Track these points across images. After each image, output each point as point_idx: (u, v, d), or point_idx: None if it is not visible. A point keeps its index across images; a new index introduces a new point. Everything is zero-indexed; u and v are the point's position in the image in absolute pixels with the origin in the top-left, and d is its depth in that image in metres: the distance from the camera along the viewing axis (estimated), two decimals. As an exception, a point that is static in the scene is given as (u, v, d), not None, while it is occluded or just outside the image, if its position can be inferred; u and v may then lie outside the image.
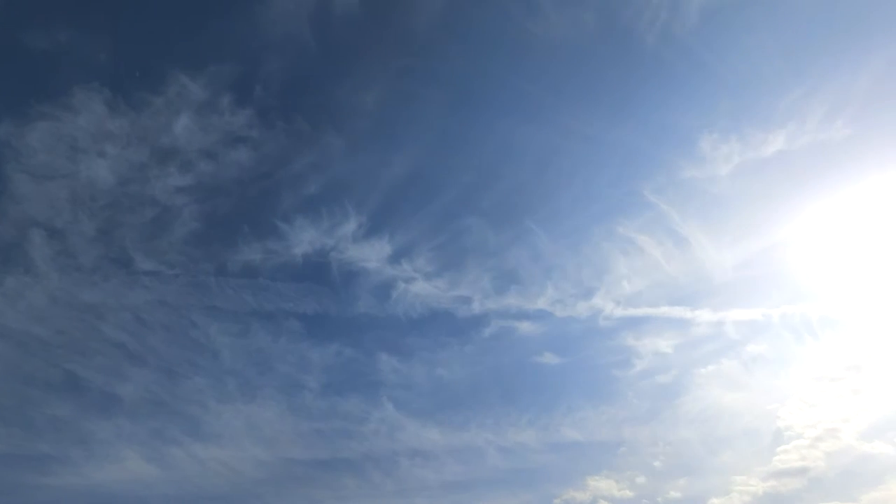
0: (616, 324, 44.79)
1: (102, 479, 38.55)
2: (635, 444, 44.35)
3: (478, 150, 44.34)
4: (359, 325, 43.59)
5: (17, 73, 34.17)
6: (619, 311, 44.17)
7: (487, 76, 42.45)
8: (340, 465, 42.40)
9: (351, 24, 38.55)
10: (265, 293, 40.61)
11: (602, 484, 42.73)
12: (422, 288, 42.85)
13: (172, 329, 39.97)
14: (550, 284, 44.46)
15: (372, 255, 41.87)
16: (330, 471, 42.35)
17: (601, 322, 44.46)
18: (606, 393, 46.06)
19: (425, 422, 43.68)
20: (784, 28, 41.53)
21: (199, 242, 39.29)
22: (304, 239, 40.52)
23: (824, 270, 44.54)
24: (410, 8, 39.70)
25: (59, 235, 36.42)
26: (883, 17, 40.08)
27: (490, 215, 44.77)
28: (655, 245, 44.70)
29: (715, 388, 44.64)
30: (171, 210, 37.90)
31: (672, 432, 44.61)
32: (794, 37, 41.67)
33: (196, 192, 38.20)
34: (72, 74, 34.16)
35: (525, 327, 44.84)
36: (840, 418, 42.53)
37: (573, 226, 46.22)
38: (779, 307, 43.33)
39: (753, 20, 41.34)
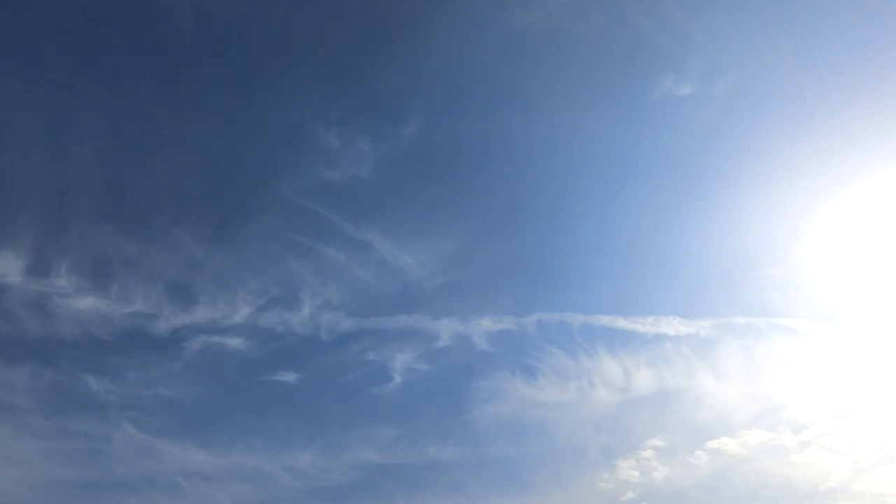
0: (342, 337, 40.88)
1: None
2: (445, 464, 40.69)
3: (60, 140, 36.91)
4: (43, 346, 37.97)
5: None
6: (347, 324, 40.54)
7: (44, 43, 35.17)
8: (114, 487, 37.90)
9: None
10: None
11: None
12: (90, 304, 37.33)
13: None
14: (237, 297, 39.75)
15: (6, 269, 36.26)
16: (104, 492, 37.97)
17: (324, 336, 40.44)
18: (378, 410, 41.88)
19: (182, 442, 38.81)
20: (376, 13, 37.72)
21: None
22: None
23: (558, 274, 42.93)
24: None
25: None
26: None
27: (113, 217, 38.23)
28: (335, 251, 40.99)
29: (503, 403, 41.74)
30: None
31: (481, 451, 41.33)
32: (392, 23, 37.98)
33: None
34: None
35: (236, 343, 40.10)
36: (651, 429, 41.21)
37: (219, 228, 40.40)
38: (531, 315, 41.03)
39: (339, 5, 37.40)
